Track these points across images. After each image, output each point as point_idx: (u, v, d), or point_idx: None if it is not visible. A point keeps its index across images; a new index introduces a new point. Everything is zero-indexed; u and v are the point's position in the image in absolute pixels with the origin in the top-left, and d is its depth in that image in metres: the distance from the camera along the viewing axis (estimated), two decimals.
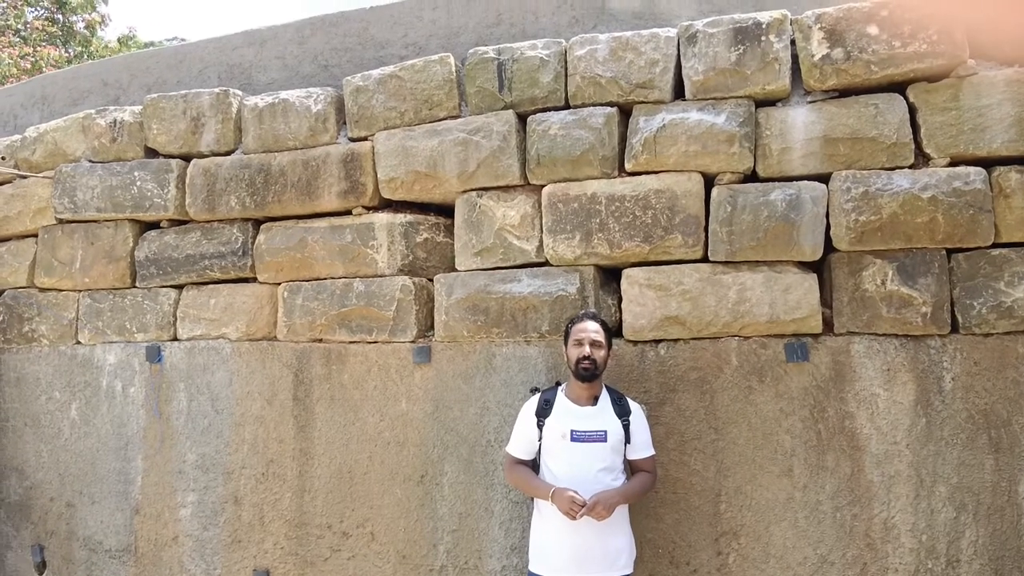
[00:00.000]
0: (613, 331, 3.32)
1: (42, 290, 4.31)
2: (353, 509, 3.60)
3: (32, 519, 4.21)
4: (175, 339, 4.01)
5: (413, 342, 3.55)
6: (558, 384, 3.07)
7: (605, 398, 2.94)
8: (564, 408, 2.90)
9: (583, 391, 2.91)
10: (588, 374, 2.85)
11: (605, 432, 2.83)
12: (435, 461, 3.47)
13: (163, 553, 3.92)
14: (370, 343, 3.63)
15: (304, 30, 4.14)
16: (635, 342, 3.25)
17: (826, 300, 3.11)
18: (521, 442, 2.96)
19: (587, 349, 2.85)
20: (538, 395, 2.99)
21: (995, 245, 2.94)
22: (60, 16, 11.54)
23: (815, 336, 3.08)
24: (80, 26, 11.72)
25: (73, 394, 4.16)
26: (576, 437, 2.82)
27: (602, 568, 2.78)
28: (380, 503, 3.55)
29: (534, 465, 2.96)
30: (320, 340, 3.73)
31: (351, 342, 3.67)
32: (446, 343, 3.50)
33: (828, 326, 3.09)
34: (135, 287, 4.12)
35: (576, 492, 2.70)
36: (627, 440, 2.89)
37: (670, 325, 3.18)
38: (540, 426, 2.89)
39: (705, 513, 3.13)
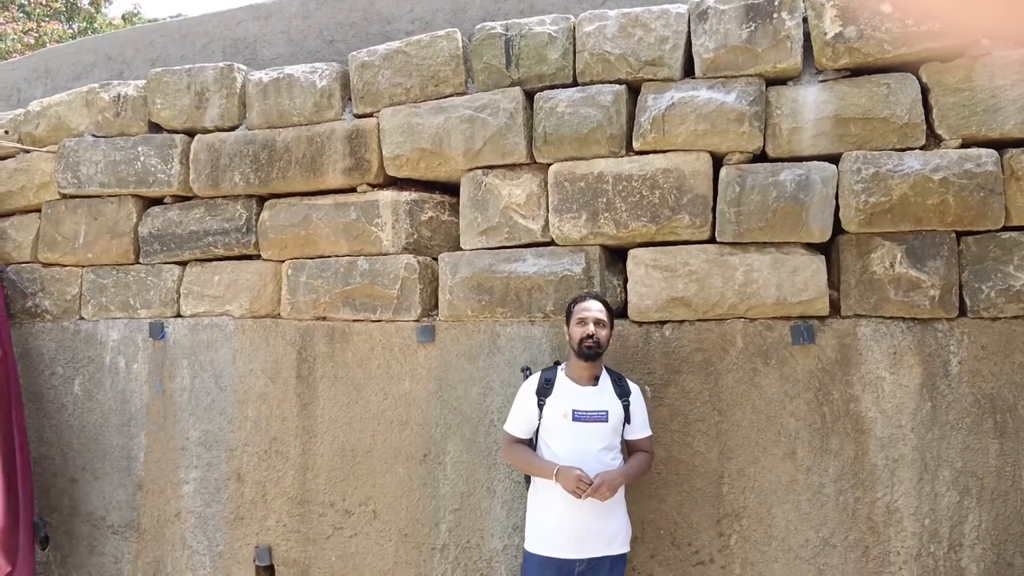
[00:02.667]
0: (618, 312, 3.31)
1: (45, 265, 4.30)
2: (356, 487, 3.60)
3: (35, 494, 4.22)
4: (178, 316, 4.00)
5: (417, 321, 3.54)
6: (557, 364, 3.05)
7: (605, 378, 2.93)
8: (565, 388, 2.89)
9: (584, 371, 2.90)
10: (591, 352, 2.85)
11: (607, 412, 2.83)
12: (438, 440, 3.47)
13: (166, 529, 3.93)
14: (374, 322, 3.62)
15: (309, 4, 4.09)
16: (640, 323, 3.23)
17: (833, 282, 3.08)
18: (520, 421, 2.95)
19: (591, 328, 2.84)
20: (538, 374, 2.98)
21: (1005, 228, 2.91)
22: None
23: (821, 319, 3.06)
24: (84, 2, 11.64)
25: (76, 370, 4.16)
26: (578, 417, 2.82)
27: (600, 547, 2.79)
28: (383, 482, 3.56)
29: (531, 444, 2.96)
30: (324, 318, 3.71)
31: (355, 320, 3.65)
32: (450, 322, 3.49)
33: (835, 309, 3.06)
34: (138, 263, 4.10)
35: (583, 471, 2.69)
36: (627, 420, 2.89)
37: (676, 306, 3.16)
38: (541, 405, 2.88)
39: (708, 495, 3.13)
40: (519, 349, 3.36)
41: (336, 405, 3.66)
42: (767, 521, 3.07)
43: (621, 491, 2.86)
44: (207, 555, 3.84)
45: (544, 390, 2.90)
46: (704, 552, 3.12)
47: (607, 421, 2.82)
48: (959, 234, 2.96)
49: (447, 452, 3.45)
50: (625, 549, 2.86)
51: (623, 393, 2.91)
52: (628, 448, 2.97)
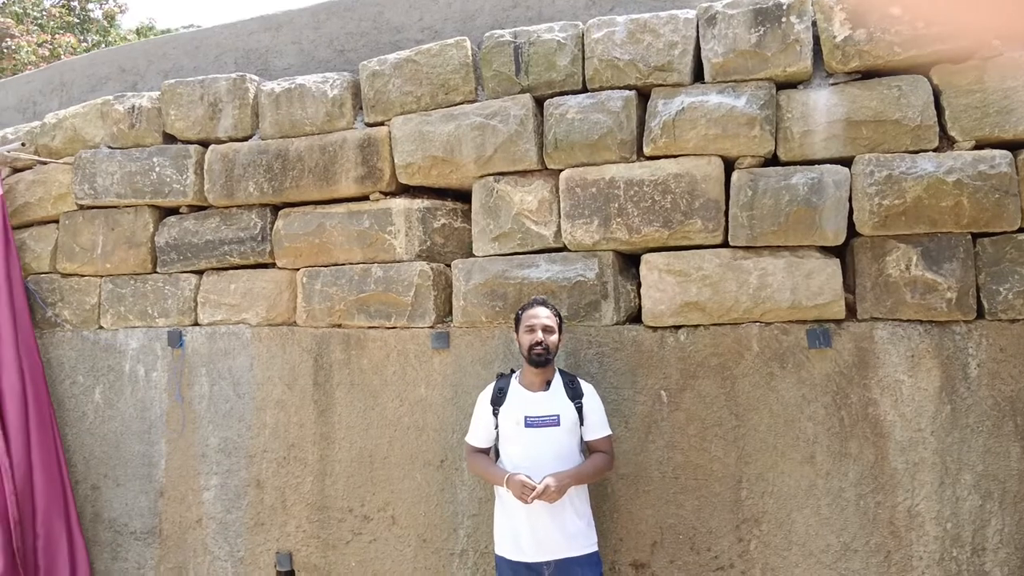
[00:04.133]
0: (633, 317, 3.32)
1: (64, 275, 4.35)
2: (374, 493, 3.63)
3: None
4: (196, 324, 4.05)
5: (431, 327, 3.55)
6: (512, 371, 3.07)
7: (558, 382, 2.96)
8: (518, 395, 2.93)
9: (536, 376, 2.93)
10: (541, 359, 2.88)
11: (558, 416, 2.86)
12: (454, 446, 3.49)
13: (187, 535, 3.98)
14: (389, 328, 3.64)
15: (319, 15, 4.12)
16: (655, 328, 3.23)
17: (848, 285, 3.07)
18: (479, 432, 3.01)
19: (539, 335, 2.87)
20: (492, 384, 3.02)
21: (1021, 230, 2.88)
22: (76, 4, 11.57)
23: (837, 322, 3.04)
24: (98, 14, 11.75)
25: (96, 378, 4.22)
26: (530, 423, 2.86)
27: (560, 548, 2.81)
28: (400, 487, 3.58)
29: (494, 452, 3.00)
30: (339, 325, 3.74)
31: (370, 327, 3.68)
32: (464, 328, 3.50)
33: (851, 312, 3.05)
34: (156, 272, 4.15)
35: (527, 477, 2.73)
36: (581, 422, 2.91)
37: (690, 311, 3.16)
38: (496, 414, 2.94)
39: (726, 500, 3.12)
40: None
41: (353, 411, 3.68)
42: (787, 526, 3.06)
43: (582, 492, 2.90)
44: (228, 561, 3.88)
45: (498, 399, 2.95)
46: (724, 557, 3.12)
47: (559, 425, 2.85)
48: (975, 236, 2.93)
49: (464, 458, 3.47)
50: (590, 549, 2.87)
51: (575, 395, 2.93)
52: (589, 448, 2.99)
